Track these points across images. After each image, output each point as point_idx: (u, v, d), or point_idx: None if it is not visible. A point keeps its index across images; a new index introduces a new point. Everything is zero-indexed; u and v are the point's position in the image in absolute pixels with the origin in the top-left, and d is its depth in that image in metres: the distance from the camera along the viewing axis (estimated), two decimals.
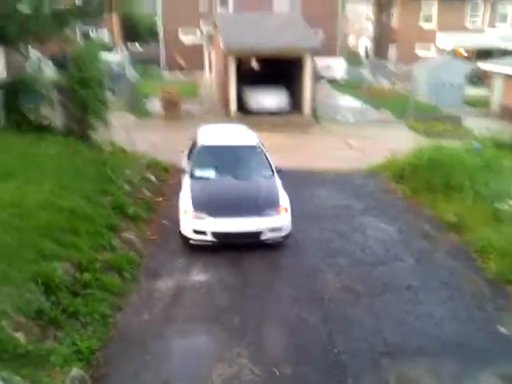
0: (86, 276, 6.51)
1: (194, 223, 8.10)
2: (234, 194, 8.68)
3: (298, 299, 6.83)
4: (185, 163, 9.78)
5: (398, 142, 16.25)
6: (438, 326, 6.31)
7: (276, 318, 6.40)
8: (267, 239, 8.20)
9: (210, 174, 9.18)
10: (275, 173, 9.34)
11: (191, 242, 8.20)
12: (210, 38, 27.80)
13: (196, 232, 8.10)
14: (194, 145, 10.07)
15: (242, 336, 5.95)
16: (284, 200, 8.52)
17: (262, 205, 8.29)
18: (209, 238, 8.08)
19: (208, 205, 8.18)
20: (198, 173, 9.12)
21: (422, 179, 11.34)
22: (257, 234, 8.13)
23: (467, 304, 6.88)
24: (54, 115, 12.75)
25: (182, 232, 8.28)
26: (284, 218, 8.30)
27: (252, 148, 9.85)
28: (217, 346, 5.85)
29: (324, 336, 6.04)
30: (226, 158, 9.46)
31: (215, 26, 22.24)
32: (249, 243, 8.18)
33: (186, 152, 10.22)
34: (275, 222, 8.19)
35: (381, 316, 6.49)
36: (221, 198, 8.47)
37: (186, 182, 8.99)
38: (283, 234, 8.32)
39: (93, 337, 5.64)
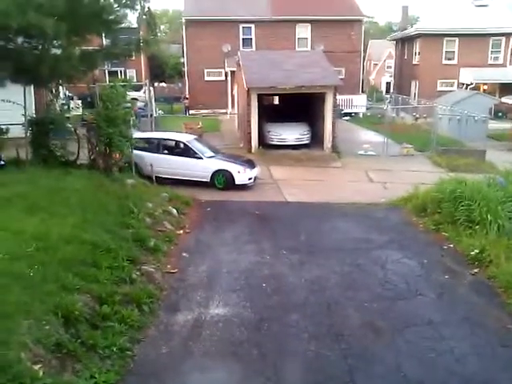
0: (105, 309, 6.53)
1: (245, 175, 14.55)
2: (241, 161, 15.21)
3: None
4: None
5: (421, 175, 16.19)
6: (460, 362, 6.13)
7: None
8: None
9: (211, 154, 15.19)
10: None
11: (249, 184, 14.75)
12: (234, 76, 28.42)
13: (249, 179, 14.67)
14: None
15: None
16: None
17: (254, 163, 15.45)
18: (251, 181, 14.82)
19: (234, 164, 14.66)
20: (207, 154, 14.98)
21: (445, 213, 11.20)
22: (256, 177, 15.11)
23: (491, 341, 6.68)
24: (80, 151, 13.15)
25: (238, 182, 14.45)
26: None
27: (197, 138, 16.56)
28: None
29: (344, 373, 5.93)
30: (207, 147, 15.69)
31: (238, 64, 22.77)
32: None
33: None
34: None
35: (401, 352, 6.36)
36: (238, 163, 14.92)
37: (204, 160, 14.66)
38: None
39: (111, 370, 5.62)
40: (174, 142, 15.41)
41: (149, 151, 14.63)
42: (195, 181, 14.57)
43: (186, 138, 15.69)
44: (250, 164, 15.24)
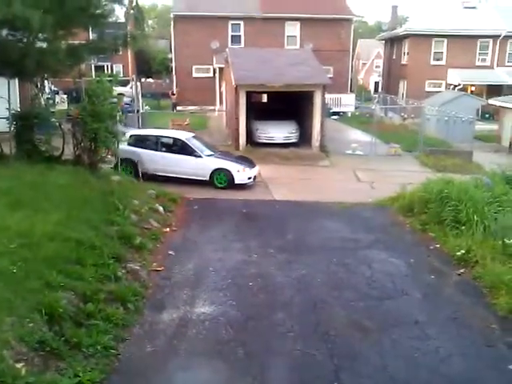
0: (90, 307, 6.44)
1: (245, 174, 14.43)
2: (240, 160, 15.16)
3: None
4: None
5: (408, 175, 16.27)
6: (446, 362, 6.15)
7: None
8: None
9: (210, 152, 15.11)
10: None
11: (248, 184, 14.73)
12: (222, 73, 28.31)
13: (249, 178, 14.60)
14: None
15: None
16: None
17: (253, 162, 15.36)
18: (250, 180, 14.69)
19: (234, 163, 14.62)
20: (206, 152, 14.87)
21: (431, 213, 11.25)
22: (255, 176, 15.08)
23: (476, 340, 6.72)
24: (64, 146, 12.97)
25: (237, 182, 14.41)
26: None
27: (196, 136, 16.22)
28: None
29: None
30: (205, 145, 15.55)
31: (227, 61, 22.67)
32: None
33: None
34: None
35: (388, 351, 6.36)
36: (238, 162, 14.91)
37: (203, 158, 14.50)
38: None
39: (95, 369, 5.52)
40: (172, 140, 15.15)
41: (146, 148, 14.43)
42: (190, 179, 14.39)
43: (184, 135, 15.40)
44: (250, 163, 15.10)
